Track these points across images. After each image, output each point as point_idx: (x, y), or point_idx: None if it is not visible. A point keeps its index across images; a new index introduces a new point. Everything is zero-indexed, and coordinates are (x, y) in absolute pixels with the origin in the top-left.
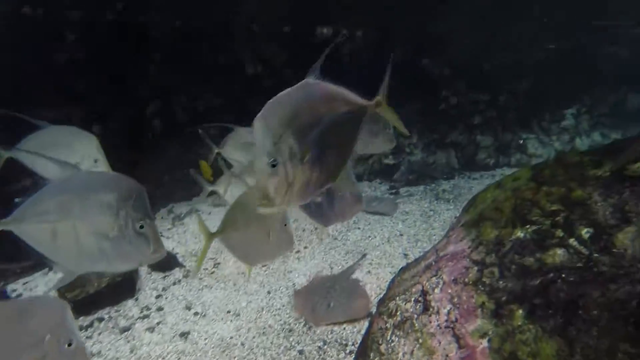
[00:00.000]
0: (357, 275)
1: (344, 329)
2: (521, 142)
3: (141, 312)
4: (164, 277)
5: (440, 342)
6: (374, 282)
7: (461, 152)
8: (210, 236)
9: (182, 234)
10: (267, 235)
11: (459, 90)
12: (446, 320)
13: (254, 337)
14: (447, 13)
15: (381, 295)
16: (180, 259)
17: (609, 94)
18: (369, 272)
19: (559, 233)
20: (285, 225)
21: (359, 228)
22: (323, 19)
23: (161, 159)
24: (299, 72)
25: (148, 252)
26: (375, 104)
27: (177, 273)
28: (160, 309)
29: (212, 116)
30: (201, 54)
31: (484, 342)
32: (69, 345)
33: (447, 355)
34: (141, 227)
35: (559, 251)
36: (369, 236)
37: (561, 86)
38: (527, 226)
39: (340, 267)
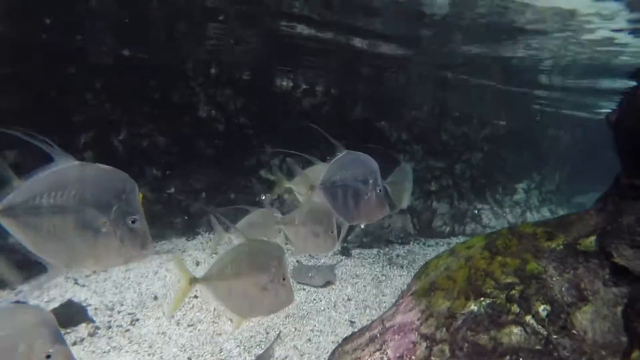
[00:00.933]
0: (295, 343)
1: None
2: (476, 212)
3: None
4: (64, 334)
5: None
6: (312, 353)
7: (417, 218)
8: (193, 281)
9: (101, 283)
10: (263, 288)
11: (416, 155)
12: None
13: None
14: (406, 83)
15: None
16: (90, 313)
17: (555, 172)
18: (309, 339)
19: (515, 308)
20: (284, 278)
21: (304, 289)
22: (283, 72)
23: None
24: (253, 120)
25: (138, 249)
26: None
27: (81, 330)
28: None
29: (155, 154)
30: (150, 88)
31: None
32: (48, 357)
33: None
34: (133, 222)
35: (516, 329)
36: (314, 299)
37: (512, 161)
38: (481, 299)
39: (277, 332)
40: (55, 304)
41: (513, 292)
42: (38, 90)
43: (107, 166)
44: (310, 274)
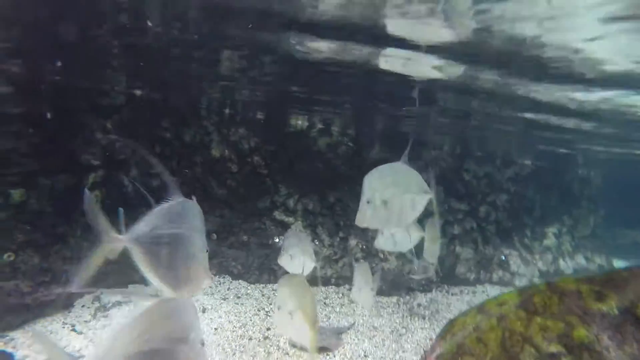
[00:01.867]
0: None
1: None
2: (503, 257)
3: None
4: None
5: None
6: None
7: (440, 263)
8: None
9: (99, 330)
10: None
11: (437, 196)
12: None
13: None
14: (426, 118)
15: None
16: None
17: (588, 215)
18: None
19: None
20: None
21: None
22: (298, 111)
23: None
24: (268, 160)
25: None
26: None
27: None
28: None
29: (165, 194)
30: (162, 127)
31: None
32: (202, 344)
33: None
34: (207, 250)
35: None
36: (327, 354)
37: (541, 203)
38: None
39: None
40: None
41: None
42: (48, 129)
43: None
44: None
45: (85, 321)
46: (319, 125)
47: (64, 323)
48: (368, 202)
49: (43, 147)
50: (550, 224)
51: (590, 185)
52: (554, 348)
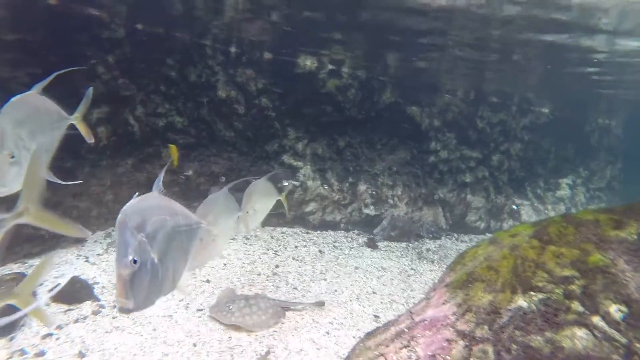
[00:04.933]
0: (311, 336)
1: None
2: (515, 207)
3: (9, 357)
4: (66, 310)
5: None
6: (330, 347)
7: (450, 211)
8: None
9: (111, 262)
10: None
11: (449, 144)
12: None
13: None
14: (439, 62)
15: None
16: (97, 291)
17: (605, 167)
18: (327, 332)
19: (576, 307)
20: None
21: (325, 279)
22: (306, 51)
23: (104, 174)
24: (276, 102)
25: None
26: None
27: (85, 308)
28: (40, 354)
29: (171, 134)
30: (167, 65)
31: None
32: None
33: None
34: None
35: (580, 332)
36: (336, 290)
37: (555, 153)
38: (532, 293)
39: (293, 323)
40: (65, 280)
41: (572, 287)
42: (49, 60)
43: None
44: (229, 306)
45: (98, 254)
46: (329, 66)
47: (78, 255)
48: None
49: (43, 78)
50: (564, 175)
51: (609, 136)
52: (567, 272)
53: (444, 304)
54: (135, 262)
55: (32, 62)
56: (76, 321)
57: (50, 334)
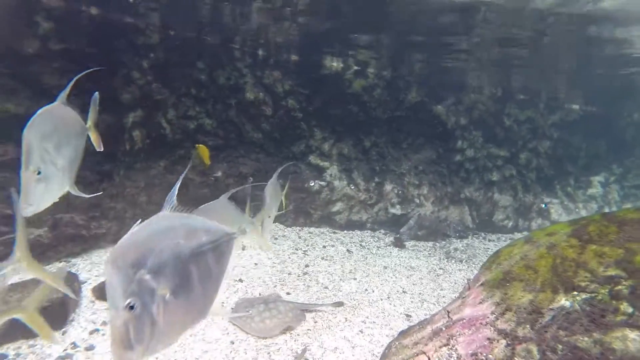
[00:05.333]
0: (345, 334)
1: None
2: (544, 206)
3: (64, 350)
4: (106, 309)
5: None
6: (365, 345)
7: (477, 210)
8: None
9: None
10: None
11: (476, 142)
12: None
13: None
14: (466, 61)
15: None
16: None
17: None
18: (361, 331)
19: (626, 307)
20: None
21: (355, 278)
22: (332, 52)
23: (138, 176)
24: (303, 103)
25: None
26: (239, 233)
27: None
28: (89, 348)
29: (201, 136)
30: (198, 69)
31: None
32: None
33: None
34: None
35: (632, 334)
36: (366, 289)
37: (586, 150)
38: (575, 293)
39: (326, 322)
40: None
41: (619, 287)
42: (90, 68)
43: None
44: (249, 311)
45: None
46: (354, 67)
47: None
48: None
49: (85, 85)
50: (596, 172)
51: None
52: (611, 272)
53: (481, 302)
54: (132, 307)
55: (77, 70)
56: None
57: (96, 330)
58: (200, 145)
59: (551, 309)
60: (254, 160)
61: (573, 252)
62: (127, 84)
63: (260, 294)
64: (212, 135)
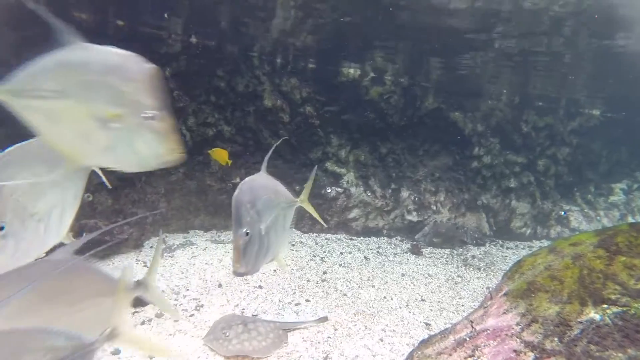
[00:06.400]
0: (365, 342)
1: None
2: (563, 214)
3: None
4: (133, 313)
5: None
6: (386, 354)
7: (494, 217)
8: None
9: (168, 267)
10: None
11: (493, 149)
12: None
13: None
14: (482, 66)
15: None
16: None
17: None
18: (381, 339)
19: None
20: None
21: (373, 286)
22: (349, 59)
23: (158, 182)
24: (319, 110)
25: (160, 149)
26: (299, 200)
27: (149, 311)
28: (115, 352)
29: (220, 143)
30: (217, 77)
31: None
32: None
33: None
34: (151, 117)
35: None
36: (385, 297)
37: (607, 157)
38: (605, 306)
39: (346, 330)
40: None
41: None
42: None
43: (123, 51)
44: (226, 333)
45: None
46: (372, 74)
47: (137, 260)
48: (247, 234)
49: None
50: (618, 179)
51: None
52: None
53: (505, 313)
54: (247, 234)
55: None
56: (142, 323)
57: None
58: (214, 149)
59: (580, 322)
60: (271, 167)
61: (600, 263)
62: None
63: (279, 300)
64: (231, 142)
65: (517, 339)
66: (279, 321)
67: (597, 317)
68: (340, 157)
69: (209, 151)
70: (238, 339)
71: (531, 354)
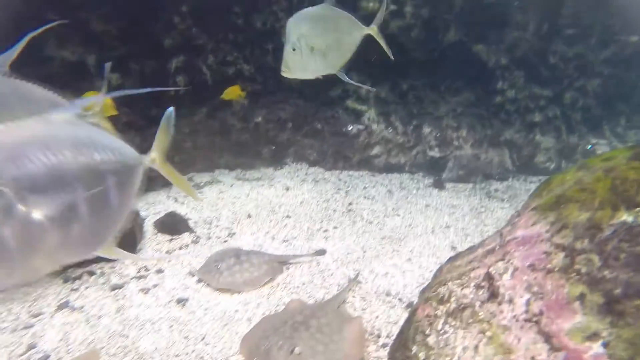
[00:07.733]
0: (394, 262)
1: (377, 317)
2: (589, 147)
3: (138, 272)
4: (171, 240)
5: (519, 340)
6: (415, 271)
7: (517, 153)
8: None
9: (198, 202)
10: None
11: (517, 82)
12: (525, 312)
13: (263, 313)
14: None
15: (424, 285)
16: (192, 224)
17: None
18: (409, 259)
19: None
20: None
21: (398, 215)
22: None
23: (183, 122)
24: None
25: None
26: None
27: (186, 238)
28: (160, 271)
29: (241, 82)
30: (234, 13)
31: (596, 347)
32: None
33: (532, 358)
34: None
35: None
36: (410, 224)
37: None
38: (638, 209)
39: (374, 252)
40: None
41: None
42: (132, 13)
43: None
44: (218, 265)
45: (184, 195)
46: (391, 6)
47: (168, 196)
48: (294, 50)
49: (130, 31)
50: None
51: None
52: None
53: (533, 224)
54: (294, 50)
55: (121, 16)
56: (180, 248)
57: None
58: (225, 91)
59: (611, 225)
60: (292, 105)
61: (635, 173)
62: (169, 30)
63: (308, 228)
64: (251, 81)
65: (548, 243)
66: (274, 254)
67: (630, 219)
68: (361, 94)
69: (222, 96)
70: (229, 271)
71: (562, 254)
